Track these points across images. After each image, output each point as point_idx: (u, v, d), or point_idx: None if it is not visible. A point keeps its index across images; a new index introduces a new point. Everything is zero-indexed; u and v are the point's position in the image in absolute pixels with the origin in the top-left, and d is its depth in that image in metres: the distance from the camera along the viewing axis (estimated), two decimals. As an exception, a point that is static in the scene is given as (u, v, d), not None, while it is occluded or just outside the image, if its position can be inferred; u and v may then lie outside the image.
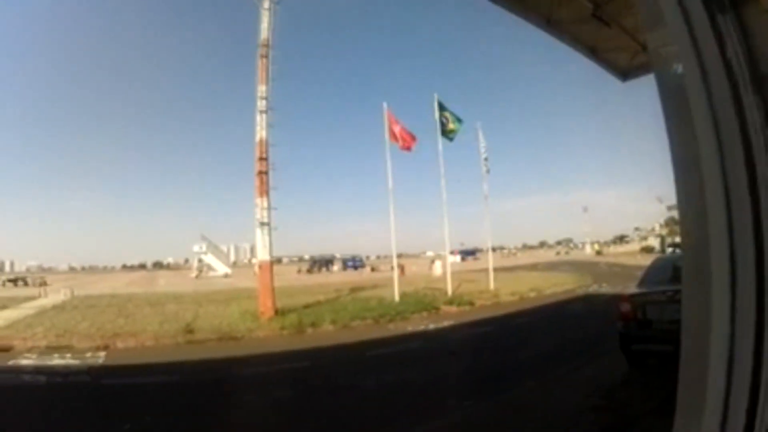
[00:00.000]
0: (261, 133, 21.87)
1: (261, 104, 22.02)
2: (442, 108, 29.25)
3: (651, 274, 10.63)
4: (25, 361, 14.61)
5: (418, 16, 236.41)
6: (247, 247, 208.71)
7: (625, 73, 11.61)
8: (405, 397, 9.66)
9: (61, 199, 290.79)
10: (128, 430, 8.22)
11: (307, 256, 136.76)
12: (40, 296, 37.31)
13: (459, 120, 29.93)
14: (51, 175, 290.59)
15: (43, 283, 49.55)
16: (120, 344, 16.60)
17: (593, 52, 11.06)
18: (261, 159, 21.66)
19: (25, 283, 62.21)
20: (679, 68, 1.81)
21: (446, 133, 29.35)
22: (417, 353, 14.54)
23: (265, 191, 21.50)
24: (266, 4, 22.42)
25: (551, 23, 10.33)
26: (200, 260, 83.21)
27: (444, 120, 29.22)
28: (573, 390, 9.22)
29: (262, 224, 21.36)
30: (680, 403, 1.85)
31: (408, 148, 27.57)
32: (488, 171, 33.67)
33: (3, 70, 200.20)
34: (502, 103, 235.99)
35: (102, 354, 15.22)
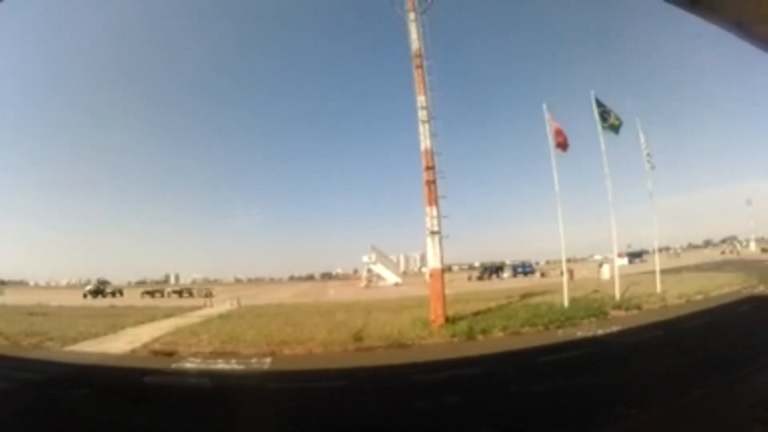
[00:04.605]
0: (425, 142, 21.60)
1: (422, 114, 21.78)
2: (599, 104, 27.80)
3: None
4: (189, 365, 14.91)
5: (566, 10, 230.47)
6: (417, 256, 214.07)
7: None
8: (574, 404, 9.24)
9: (226, 213, 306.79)
10: None
11: (477, 263, 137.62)
12: (205, 306, 39.03)
13: (618, 118, 28.27)
14: (216, 190, 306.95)
15: (209, 294, 51.52)
16: (287, 351, 16.56)
17: (739, 25, 9.57)
18: (428, 168, 21.27)
19: (191, 294, 65.51)
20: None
21: (611, 127, 27.81)
22: (586, 360, 13.90)
23: (434, 200, 21.19)
24: (412, 16, 22.51)
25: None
26: (369, 270, 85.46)
27: (605, 115, 27.70)
28: (739, 400, 8.72)
29: (433, 233, 20.98)
30: None
31: (564, 147, 26.10)
32: (653, 167, 31.43)
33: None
34: (654, 95, 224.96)
35: (267, 360, 15.25)
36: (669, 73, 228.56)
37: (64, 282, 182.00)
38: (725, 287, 28.80)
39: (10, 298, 55.07)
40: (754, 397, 8.64)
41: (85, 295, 63.66)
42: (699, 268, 52.36)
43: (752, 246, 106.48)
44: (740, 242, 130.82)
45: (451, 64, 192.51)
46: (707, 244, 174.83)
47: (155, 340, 19.29)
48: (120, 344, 18.65)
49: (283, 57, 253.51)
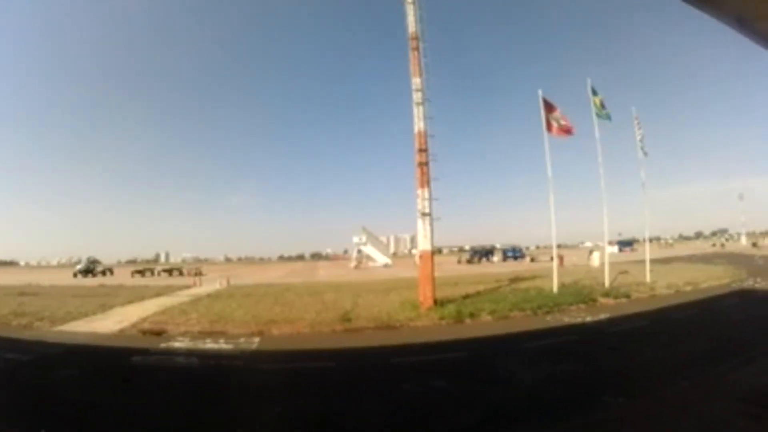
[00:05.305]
0: (419, 124, 21.41)
1: (416, 96, 21.58)
2: (595, 93, 27.75)
3: None
4: (178, 345, 14.91)
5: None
6: (407, 237, 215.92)
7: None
8: (560, 391, 9.24)
9: (217, 193, 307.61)
10: (280, 413, 8.31)
11: (467, 247, 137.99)
12: (195, 285, 39.09)
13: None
14: (208, 170, 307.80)
15: (199, 273, 51.69)
16: (275, 331, 16.58)
17: (740, 21, 9.46)
18: (421, 150, 21.14)
19: (180, 273, 66.08)
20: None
21: (603, 116, 27.75)
22: (573, 346, 13.87)
23: (426, 182, 21.05)
24: (410, -2, 22.01)
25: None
26: (359, 251, 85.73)
27: (601, 103, 27.66)
28: (726, 393, 8.63)
29: (424, 215, 20.87)
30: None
31: (567, 132, 25.93)
32: (646, 154, 31.39)
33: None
34: (651, 86, 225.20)
35: (255, 340, 15.29)
36: (667, 66, 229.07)
37: (54, 261, 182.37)
38: (714, 279, 28.88)
39: (1, 278, 54.87)
40: (740, 390, 8.61)
41: (75, 275, 63.90)
42: (690, 259, 52.73)
43: (743, 240, 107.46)
44: (730, 235, 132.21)
45: (448, 47, 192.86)
46: (698, 235, 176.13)
47: (144, 319, 19.30)
48: (109, 324, 18.63)
49: (276, 38, 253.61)
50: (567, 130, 25.63)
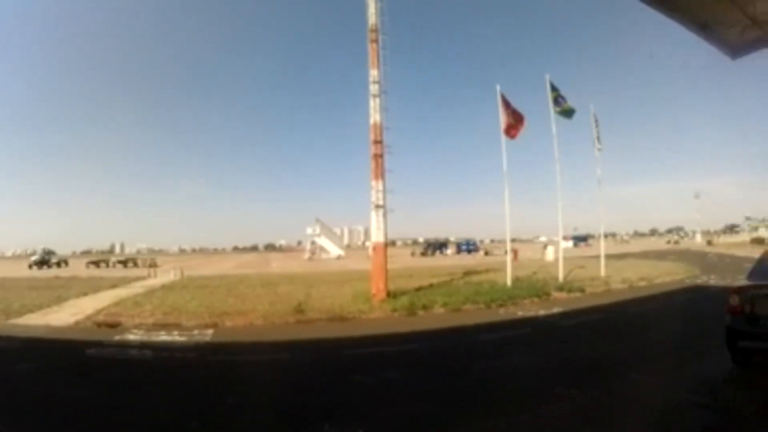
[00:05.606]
0: (375, 116, 21.42)
1: (374, 88, 21.56)
2: (553, 88, 27.79)
3: (762, 267, 10.10)
4: (132, 337, 14.88)
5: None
6: (361, 229, 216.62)
7: (735, 50, 10.55)
8: (512, 383, 9.41)
9: (171, 183, 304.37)
10: (233, 405, 8.24)
11: (421, 239, 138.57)
12: (149, 276, 38.79)
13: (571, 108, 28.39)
14: (162, 161, 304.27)
15: (153, 264, 51.26)
16: (229, 323, 16.63)
17: (703, 27, 9.81)
18: (376, 142, 21.22)
19: (135, 264, 65.72)
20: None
21: (564, 112, 27.92)
22: (526, 339, 14.08)
23: (380, 174, 21.09)
24: (370, -10, 21.96)
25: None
26: (313, 242, 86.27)
27: (561, 100, 27.74)
28: (676, 385, 8.67)
29: (377, 207, 20.94)
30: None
31: (513, 136, 26.05)
32: (600, 149, 31.81)
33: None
34: (611, 86, 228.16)
35: (209, 332, 15.32)
36: (628, 67, 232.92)
37: (9, 253, 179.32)
38: (668, 275, 29.46)
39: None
40: (691, 381, 8.78)
41: (30, 266, 62.89)
42: (644, 255, 53.53)
43: (698, 238, 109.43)
44: (686, 233, 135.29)
45: (404, 39, 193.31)
46: (653, 232, 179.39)
47: (99, 311, 19.18)
48: (64, 316, 18.49)
49: (231, 25, 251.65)
50: (510, 131, 25.63)
